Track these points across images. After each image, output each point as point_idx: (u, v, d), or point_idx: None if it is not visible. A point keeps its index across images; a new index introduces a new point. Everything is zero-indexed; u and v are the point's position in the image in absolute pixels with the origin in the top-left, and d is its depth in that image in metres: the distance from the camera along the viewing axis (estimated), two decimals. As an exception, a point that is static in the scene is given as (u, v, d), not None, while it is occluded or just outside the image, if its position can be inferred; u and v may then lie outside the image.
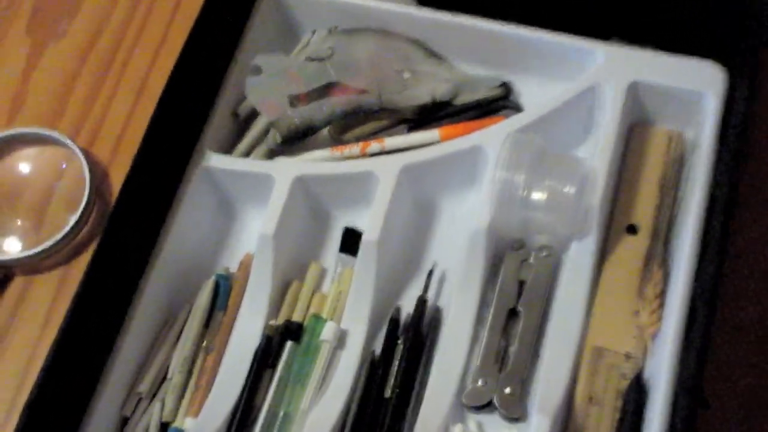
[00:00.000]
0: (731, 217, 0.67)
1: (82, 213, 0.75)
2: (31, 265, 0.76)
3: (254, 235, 0.71)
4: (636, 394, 0.64)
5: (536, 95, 0.77)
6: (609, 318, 0.68)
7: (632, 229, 0.71)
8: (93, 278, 0.67)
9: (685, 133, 0.74)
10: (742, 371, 0.67)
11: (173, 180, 0.73)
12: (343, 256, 0.73)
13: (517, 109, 0.76)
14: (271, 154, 0.76)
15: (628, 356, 0.66)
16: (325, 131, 0.76)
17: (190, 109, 0.74)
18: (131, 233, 0.70)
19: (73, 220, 0.75)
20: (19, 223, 0.77)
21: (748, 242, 0.72)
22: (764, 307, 0.71)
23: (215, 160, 0.74)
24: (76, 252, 0.76)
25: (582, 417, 0.65)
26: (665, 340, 0.64)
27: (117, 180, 0.77)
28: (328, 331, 0.69)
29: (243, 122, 0.78)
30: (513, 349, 0.68)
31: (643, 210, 0.71)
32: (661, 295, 0.67)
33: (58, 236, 0.75)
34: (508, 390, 0.67)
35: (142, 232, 0.71)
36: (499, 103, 0.76)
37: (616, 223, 0.71)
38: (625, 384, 0.65)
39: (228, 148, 0.77)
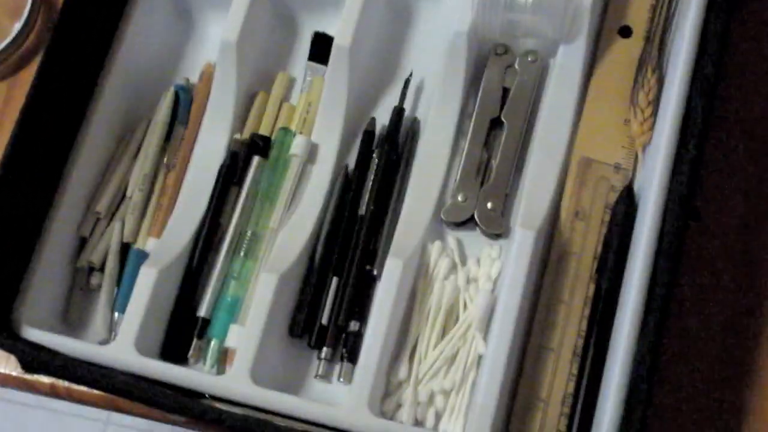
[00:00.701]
0: (731, 16, 0.64)
1: (27, 19, 0.72)
2: (-26, 78, 0.73)
3: (215, 43, 0.68)
4: (625, 206, 0.63)
5: None
6: (598, 127, 0.66)
7: (625, 31, 0.68)
8: (42, 89, 0.64)
9: (686, -74, 0.70)
10: (734, 182, 0.66)
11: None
12: (313, 64, 0.71)
13: None
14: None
15: (617, 167, 0.65)
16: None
17: None
18: (81, 41, 0.67)
19: (17, 27, 0.72)
20: (-42, 32, 0.74)
21: (746, 48, 0.70)
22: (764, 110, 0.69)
23: (170, -41, 0.71)
24: (23, 62, 0.73)
25: (568, 232, 0.64)
26: (657, 150, 0.62)
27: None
28: (297, 145, 0.67)
29: None
30: (495, 161, 0.66)
31: (637, 10, 0.68)
32: (655, 101, 0.65)
33: (2, 45, 0.71)
34: (489, 205, 0.65)
35: (92, 41, 0.68)
36: None
37: (607, 25, 0.68)
38: (613, 197, 0.64)
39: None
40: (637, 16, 0.68)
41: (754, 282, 0.66)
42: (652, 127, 0.65)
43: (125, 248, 0.68)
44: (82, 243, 0.68)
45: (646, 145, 0.65)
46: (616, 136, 0.66)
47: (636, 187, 0.64)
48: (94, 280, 0.67)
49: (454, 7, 0.68)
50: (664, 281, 0.57)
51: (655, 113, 0.65)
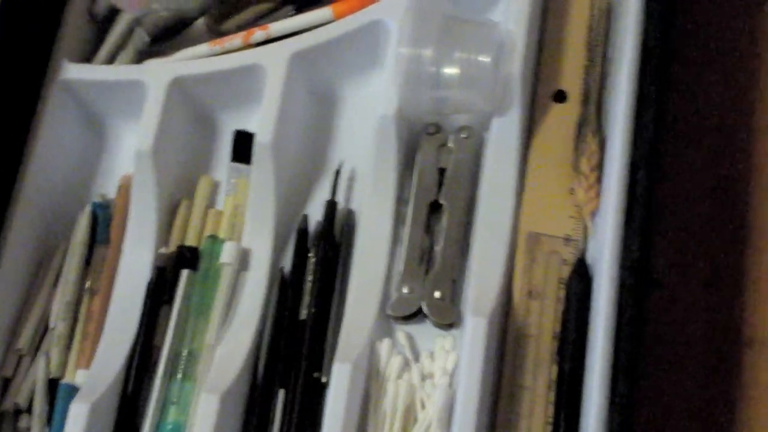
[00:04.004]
0: (668, 71, 0.66)
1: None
2: None
3: (130, 153, 0.69)
4: (579, 280, 0.64)
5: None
6: (542, 199, 0.67)
7: (560, 96, 0.69)
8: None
9: (611, -20, 0.72)
10: (695, 242, 0.67)
11: (27, 100, 0.71)
12: (236, 164, 0.71)
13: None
14: (140, 57, 0.74)
15: (567, 239, 0.66)
16: (199, 23, 0.74)
17: (37, 14, 0.71)
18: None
19: None
20: None
21: (687, 100, 0.71)
22: (711, 161, 0.70)
23: (74, 71, 0.72)
24: None
25: (522, 314, 0.64)
26: (606, 216, 0.63)
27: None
28: (227, 253, 0.67)
29: (102, 23, 0.75)
30: (439, 247, 0.67)
31: (571, 73, 0.70)
32: (598, 166, 0.66)
33: None
34: (437, 294, 0.66)
35: (-2, 164, 0.69)
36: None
37: (541, 92, 0.70)
38: (567, 271, 0.65)
39: (88, 56, 0.75)
40: (571, 78, 0.70)
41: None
42: (598, 194, 0.65)
43: (53, 384, 0.67)
44: (6, 384, 0.67)
45: (594, 213, 0.66)
46: (563, 207, 0.66)
47: (589, 258, 0.65)
48: (23, 423, 0.67)
49: (378, 89, 0.70)
50: (626, 357, 0.58)
51: (599, 179, 0.66)
